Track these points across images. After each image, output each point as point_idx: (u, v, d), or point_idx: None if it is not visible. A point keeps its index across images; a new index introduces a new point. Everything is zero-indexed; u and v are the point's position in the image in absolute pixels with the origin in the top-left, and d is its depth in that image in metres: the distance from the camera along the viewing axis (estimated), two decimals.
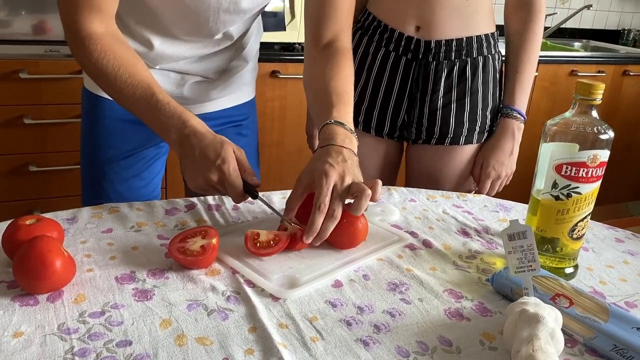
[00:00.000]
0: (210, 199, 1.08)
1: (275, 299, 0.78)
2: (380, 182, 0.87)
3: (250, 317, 0.74)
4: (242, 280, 0.81)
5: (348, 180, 0.86)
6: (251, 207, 1.06)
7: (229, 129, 1.30)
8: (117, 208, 1.01)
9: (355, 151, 0.93)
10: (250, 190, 0.92)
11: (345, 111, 0.97)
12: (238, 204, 1.03)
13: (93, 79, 0.98)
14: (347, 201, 0.87)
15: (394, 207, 1.09)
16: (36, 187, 1.88)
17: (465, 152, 1.30)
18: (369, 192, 0.84)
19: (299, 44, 2.14)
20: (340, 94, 0.99)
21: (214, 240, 0.84)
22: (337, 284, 0.83)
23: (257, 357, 0.66)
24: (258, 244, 0.86)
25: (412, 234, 1.00)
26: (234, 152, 0.91)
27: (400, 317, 0.76)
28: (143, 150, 1.24)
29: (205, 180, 0.91)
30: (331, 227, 0.84)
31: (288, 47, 2.13)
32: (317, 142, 1.45)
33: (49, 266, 0.72)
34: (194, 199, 1.07)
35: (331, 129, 0.93)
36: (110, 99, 1.17)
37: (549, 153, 0.86)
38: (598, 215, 1.08)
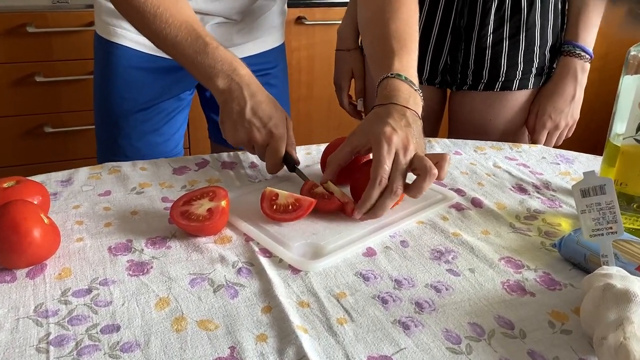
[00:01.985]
0: (224, 155, 0.95)
1: (295, 271, 0.65)
2: (448, 157, 0.74)
3: (265, 294, 0.61)
4: (256, 249, 0.69)
5: (411, 151, 0.72)
6: None
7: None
8: (118, 168, 0.89)
9: (420, 113, 0.78)
10: (289, 162, 0.84)
11: (408, 61, 0.81)
12: (257, 164, 0.91)
13: (127, 19, 0.88)
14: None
15: None
16: (53, 149, 1.79)
17: (519, 98, 1.12)
18: (435, 171, 0.71)
19: None
20: (402, 38, 0.83)
21: (224, 203, 0.71)
22: (370, 253, 0.69)
23: (271, 346, 0.54)
24: (275, 207, 0.73)
25: (459, 191, 0.85)
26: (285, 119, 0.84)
27: (447, 292, 0.62)
28: (161, 102, 1.11)
29: (249, 138, 0.83)
30: (389, 204, 0.72)
31: None
32: (346, 95, 1.31)
33: (25, 236, 0.61)
34: (206, 156, 0.94)
35: (392, 85, 0.78)
36: (124, 45, 1.05)
37: (633, 88, 0.68)
38: None
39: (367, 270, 0.66)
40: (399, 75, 0.78)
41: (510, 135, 1.14)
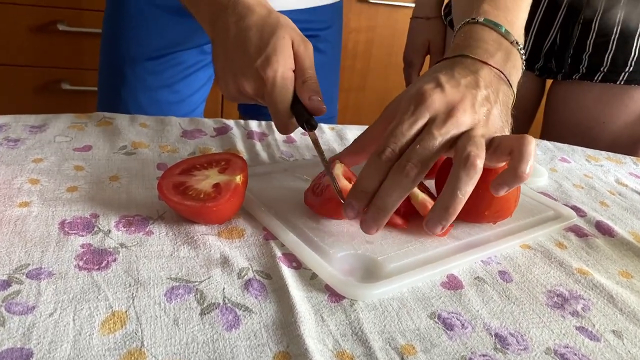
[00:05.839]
0: (253, 124, 0.71)
1: (335, 297, 0.41)
2: (530, 143, 0.42)
3: (283, 330, 0.37)
4: (278, 253, 0.45)
5: (463, 123, 0.44)
6: (319, 138, 0.69)
7: None
8: (110, 119, 0.66)
9: (514, 81, 0.51)
10: (301, 115, 0.50)
11: (506, 6, 0.54)
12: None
13: None
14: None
15: (538, 165, 0.69)
16: (69, 109, 1.59)
17: None
18: (532, 141, 0.42)
19: None
20: None
21: (239, 178, 0.47)
22: (453, 284, 0.44)
23: None
24: (321, 191, 0.49)
25: (576, 210, 0.59)
26: (293, 45, 0.53)
27: None
28: (180, 51, 0.89)
29: (237, 88, 0.54)
30: (397, 194, 0.42)
31: None
32: (417, 75, 1.06)
33: None
34: (229, 121, 0.71)
35: (471, 32, 0.52)
36: None
37: None
38: None
39: (450, 313, 0.41)
40: (486, 21, 0.52)
41: (625, 145, 0.87)
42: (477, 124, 0.45)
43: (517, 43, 0.52)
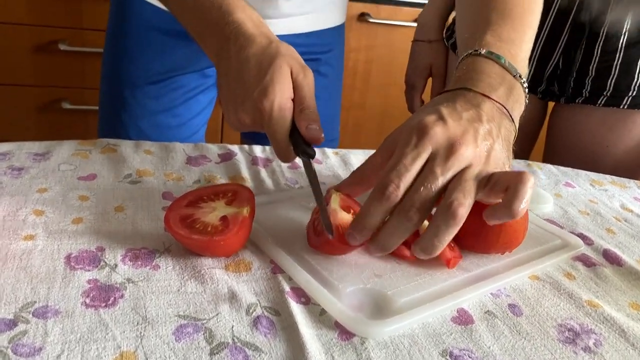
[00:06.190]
0: (257, 149, 0.71)
1: (345, 334, 0.40)
2: (529, 179, 0.42)
3: None
4: (286, 288, 0.44)
5: (464, 159, 0.44)
6: (323, 165, 0.69)
7: None
8: (115, 146, 0.66)
9: (516, 116, 0.51)
10: (299, 145, 0.50)
11: (509, 36, 0.54)
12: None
13: None
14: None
15: (544, 191, 0.69)
16: (69, 128, 1.59)
17: None
18: (530, 179, 0.42)
19: None
20: (506, 6, 0.56)
21: (246, 210, 0.47)
22: (464, 319, 0.44)
23: None
24: (318, 225, 0.48)
25: (582, 237, 0.59)
26: (291, 74, 0.52)
27: None
28: (180, 75, 0.89)
29: (238, 119, 0.53)
30: (399, 234, 0.43)
31: None
32: (419, 98, 1.06)
33: None
34: (233, 146, 0.71)
35: (473, 65, 0.51)
36: None
37: None
38: None
39: (461, 350, 0.40)
40: (489, 53, 0.52)
41: (628, 169, 0.87)
42: (478, 160, 0.44)
43: (520, 77, 0.52)
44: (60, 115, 1.58)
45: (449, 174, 0.43)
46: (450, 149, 0.43)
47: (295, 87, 0.52)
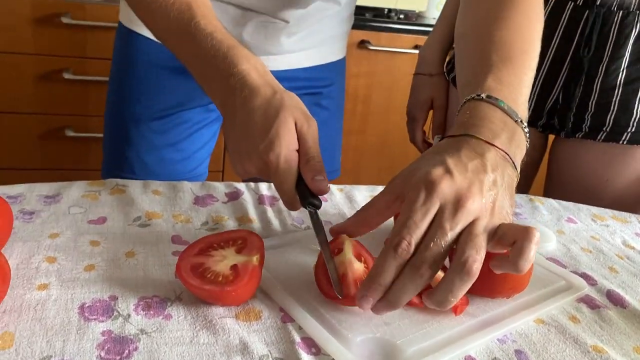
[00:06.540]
0: (263, 187, 0.72)
1: None
2: (535, 235, 0.44)
3: None
4: (297, 338, 0.45)
5: (470, 213, 0.45)
6: (329, 202, 0.70)
7: (304, 98, 0.93)
8: (123, 187, 0.67)
9: (518, 161, 0.52)
10: (305, 197, 0.53)
11: (510, 80, 0.55)
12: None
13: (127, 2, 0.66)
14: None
15: (546, 228, 0.69)
16: (73, 155, 1.61)
17: None
18: (536, 236, 0.44)
19: (396, 11, 1.76)
20: (506, 48, 0.57)
21: (256, 259, 0.48)
22: None
23: None
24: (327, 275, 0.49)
25: (586, 277, 0.60)
26: (296, 126, 0.54)
27: None
28: (184, 110, 0.91)
29: (244, 169, 0.56)
30: (411, 291, 0.44)
31: (381, 14, 1.75)
32: (420, 130, 1.06)
33: None
34: (240, 185, 0.72)
35: (476, 110, 0.52)
36: (147, 36, 0.86)
37: None
38: None
39: None
40: (489, 98, 0.53)
41: (628, 203, 0.88)
42: (484, 213, 0.45)
43: (521, 121, 0.53)
44: (64, 143, 1.59)
45: (458, 228, 0.44)
46: (457, 204, 0.45)
47: (300, 138, 0.55)
